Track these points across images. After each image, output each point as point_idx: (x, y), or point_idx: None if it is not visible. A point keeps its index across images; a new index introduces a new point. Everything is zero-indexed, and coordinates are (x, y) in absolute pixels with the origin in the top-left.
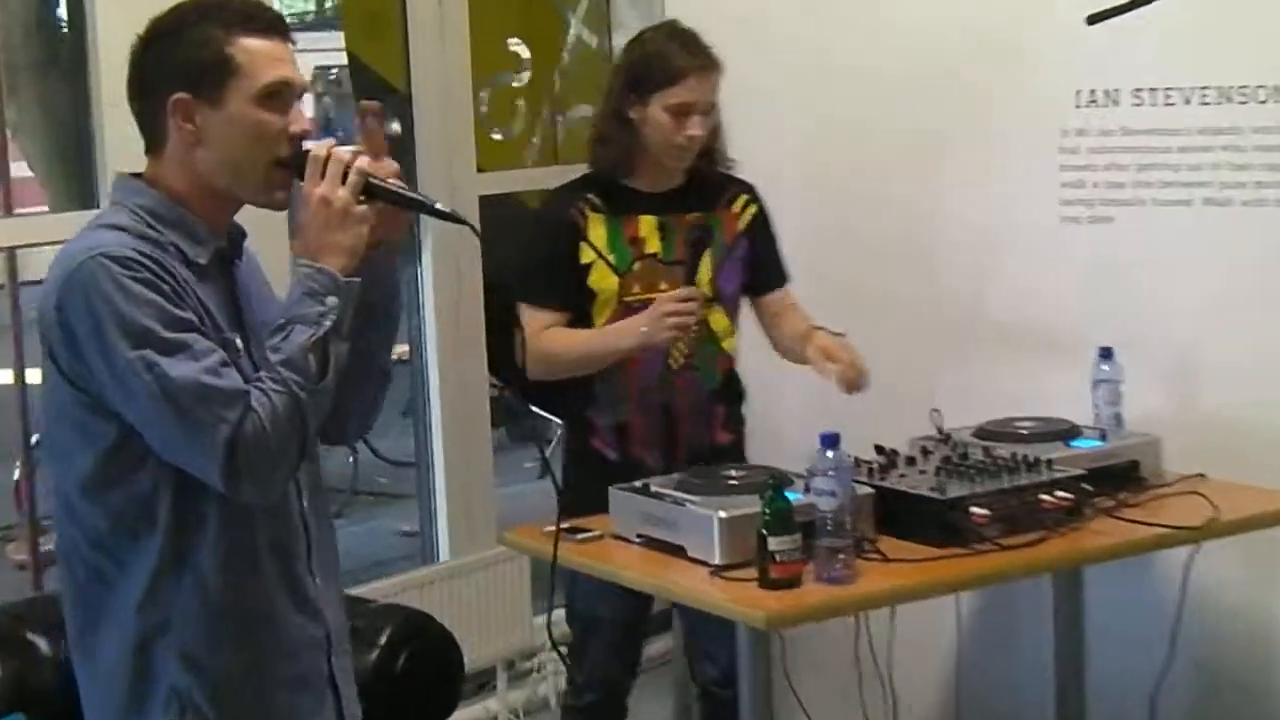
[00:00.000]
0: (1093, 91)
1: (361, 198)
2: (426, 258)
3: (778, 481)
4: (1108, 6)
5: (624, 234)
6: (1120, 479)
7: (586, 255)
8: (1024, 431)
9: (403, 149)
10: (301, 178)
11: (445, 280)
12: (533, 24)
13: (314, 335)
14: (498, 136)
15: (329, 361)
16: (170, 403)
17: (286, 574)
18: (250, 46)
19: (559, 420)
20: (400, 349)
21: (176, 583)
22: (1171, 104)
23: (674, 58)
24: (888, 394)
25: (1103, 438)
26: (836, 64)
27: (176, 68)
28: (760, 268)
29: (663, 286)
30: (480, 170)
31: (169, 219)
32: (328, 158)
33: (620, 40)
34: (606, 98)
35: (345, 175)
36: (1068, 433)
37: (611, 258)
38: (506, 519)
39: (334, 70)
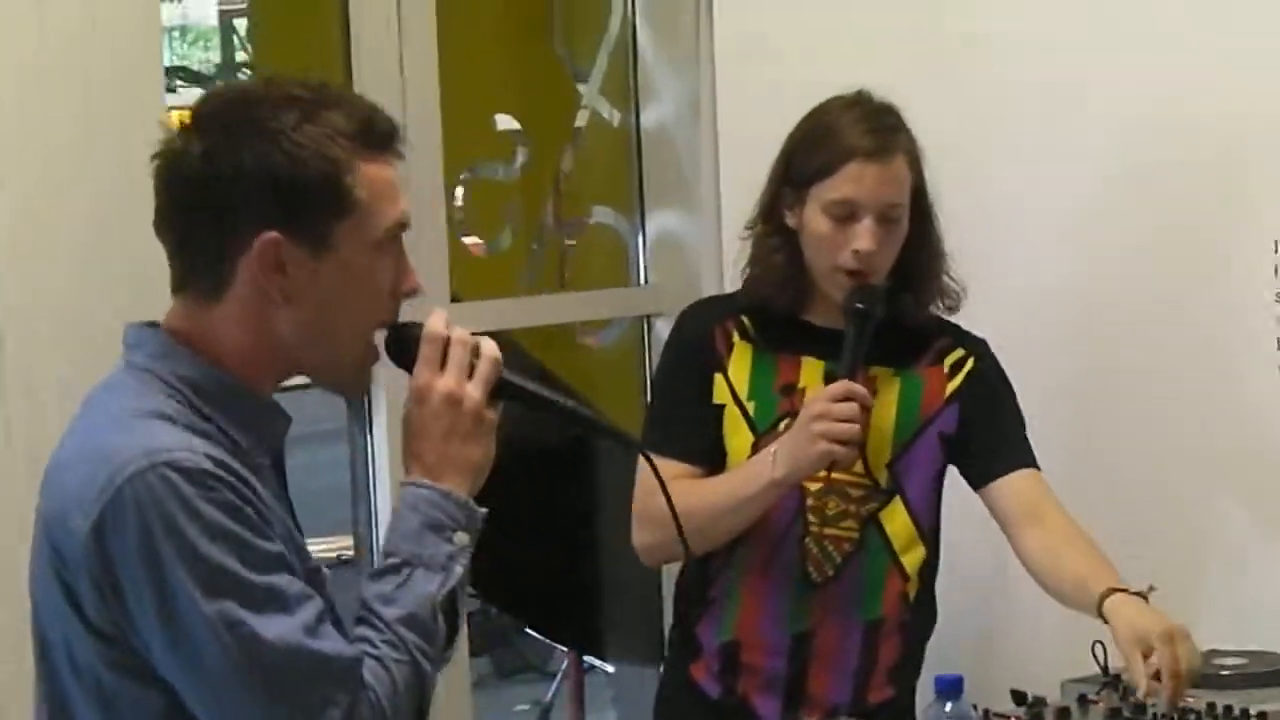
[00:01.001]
0: None
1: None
2: (379, 418)
3: None
4: None
5: (776, 377)
6: None
7: (721, 394)
8: (1227, 672)
9: None
10: (400, 359)
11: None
12: (531, 94)
13: (445, 585)
14: (480, 250)
15: (458, 621)
16: (258, 675)
17: None
18: (373, 174)
19: (562, 646)
20: (341, 543)
21: None
22: None
23: (841, 135)
24: (1038, 616)
25: None
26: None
27: (270, 191)
28: (978, 447)
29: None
30: (455, 300)
31: (219, 399)
32: (449, 339)
33: (651, 116)
34: (761, 195)
35: (471, 366)
36: None
37: (750, 406)
38: None
39: None
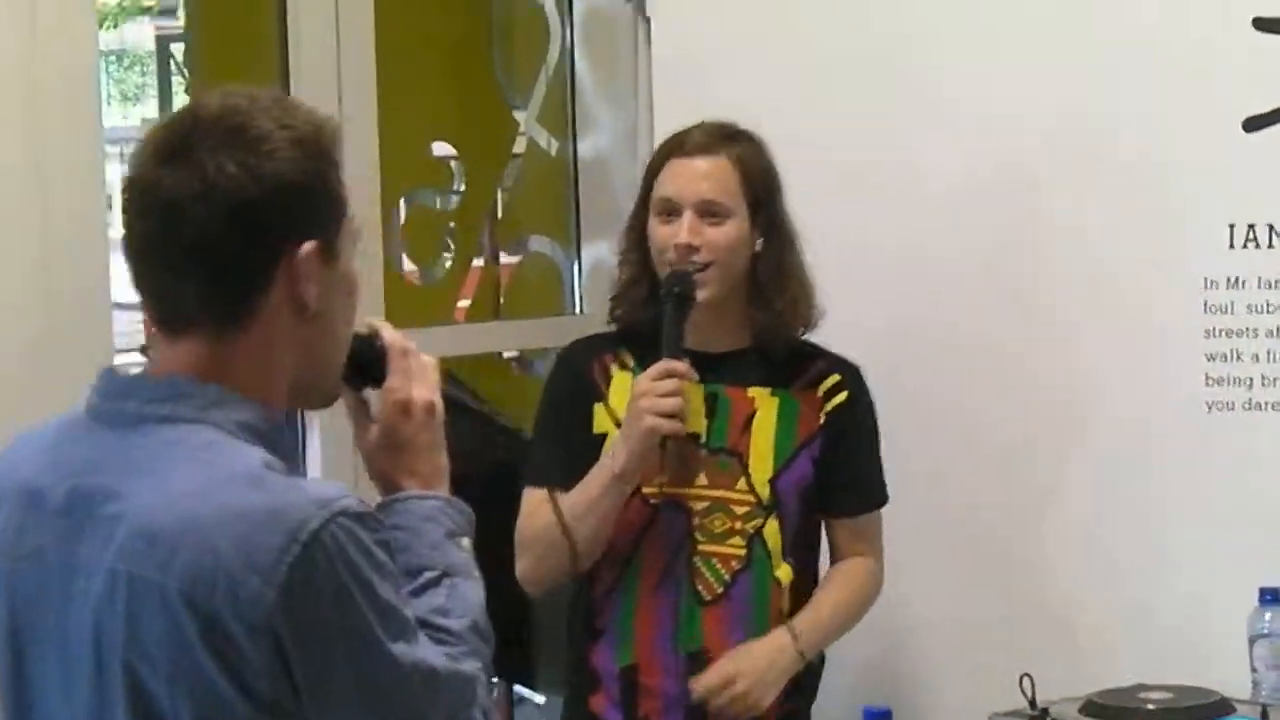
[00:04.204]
0: (1251, 227)
1: None
2: (312, 446)
3: None
4: (1274, 107)
5: None
6: None
7: (602, 423)
8: (1152, 707)
9: None
10: (365, 372)
11: (338, 476)
12: (469, 121)
13: (482, 589)
14: (415, 278)
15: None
16: (441, 708)
17: None
18: (341, 178)
19: (492, 678)
20: None
21: None
22: None
23: (670, 139)
24: (966, 648)
25: (1264, 717)
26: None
27: (303, 199)
28: (831, 480)
29: (701, 482)
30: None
31: (271, 438)
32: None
33: (588, 145)
34: (629, 219)
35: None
36: (1214, 708)
37: None
38: None
39: None
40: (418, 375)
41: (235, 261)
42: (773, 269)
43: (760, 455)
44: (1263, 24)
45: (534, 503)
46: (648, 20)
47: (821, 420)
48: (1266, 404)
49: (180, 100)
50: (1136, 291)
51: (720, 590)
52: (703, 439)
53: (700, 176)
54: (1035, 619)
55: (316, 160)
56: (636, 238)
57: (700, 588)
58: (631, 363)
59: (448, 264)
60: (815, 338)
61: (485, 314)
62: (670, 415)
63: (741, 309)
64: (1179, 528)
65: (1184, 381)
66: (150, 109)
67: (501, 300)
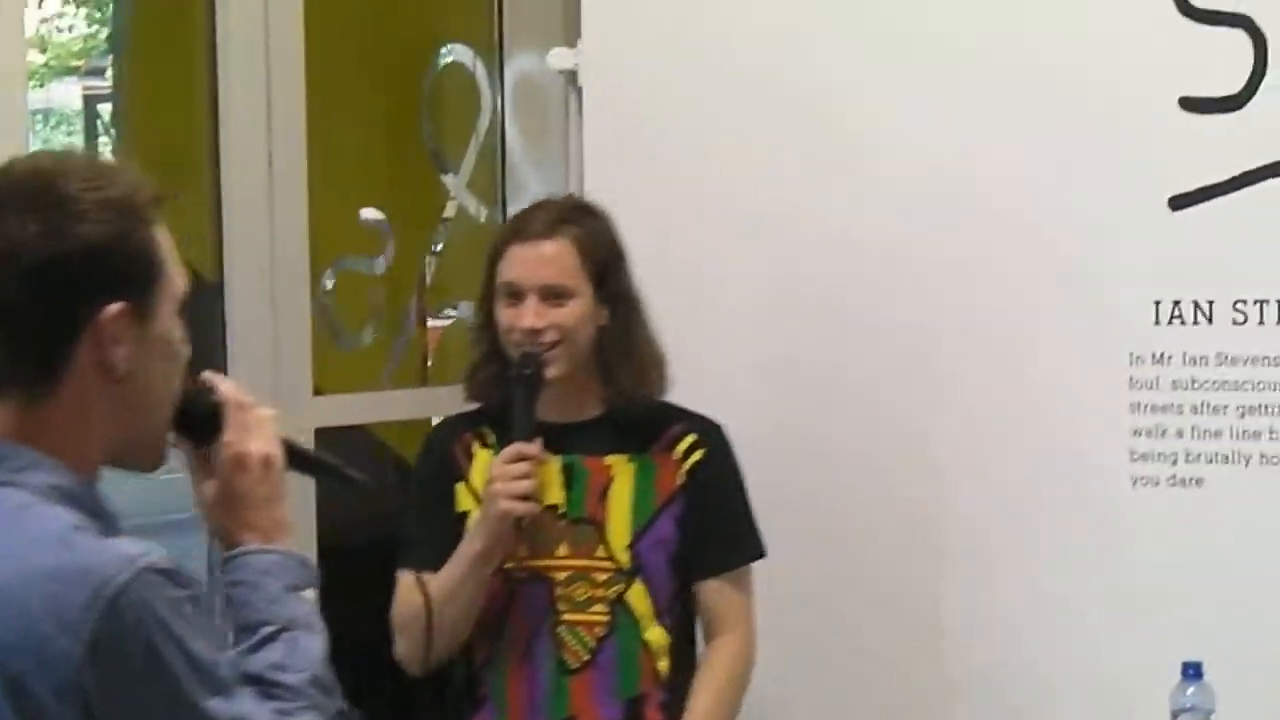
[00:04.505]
0: (1176, 304)
1: None
2: None
3: None
4: (1199, 186)
5: None
6: None
7: (464, 502)
8: None
9: (213, 359)
10: (200, 428)
11: None
12: (398, 188)
13: (324, 641)
14: (344, 344)
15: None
16: None
17: None
18: (161, 238)
19: None
20: None
21: None
22: None
23: (509, 225)
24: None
25: None
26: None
27: (109, 259)
28: (694, 542)
29: (561, 552)
30: (318, 393)
31: (85, 502)
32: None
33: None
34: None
35: None
36: None
37: None
38: None
39: None
40: (254, 428)
41: (37, 323)
42: (619, 341)
43: (618, 521)
44: (1189, 104)
45: (405, 586)
46: (579, 89)
47: (680, 480)
48: (1191, 480)
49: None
50: (1062, 369)
51: (586, 658)
52: (561, 510)
53: (541, 261)
54: (955, 696)
55: (126, 221)
56: (485, 318)
57: (566, 656)
58: (493, 439)
59: (376, 330)
60: (723, 387)
61: (413, 380)
62: (524, 497)
63: (593, 380)
64: (1102, 602)
65: (1109, 457)
66: None
67: (429, 365)
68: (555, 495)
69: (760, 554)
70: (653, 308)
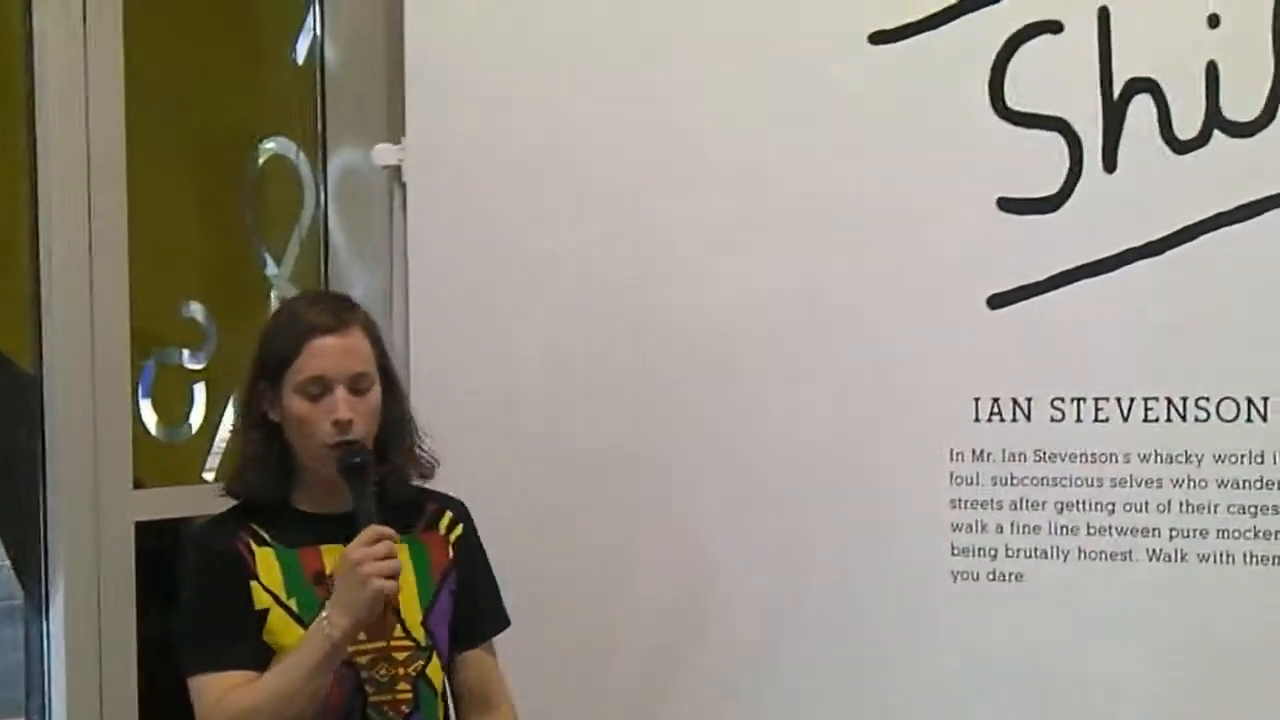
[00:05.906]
0: (996, 401)
1: None
2: (56, 607)
3: None
4: (1017, 285)
5: (303, 570)
6: None
7: (261, 599)
8: None
9: (31, 451)
10: None
11: (81, 639)
12: (220, 279)
13: None
14: (162, 437)
15: None
16: None
17: None
18: None
19: None
20: None
21: None
22: (1104, 420)
23: (300, 319)
24: None
25: None
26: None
27: None
28: (465, 610)
29: (361, 636)
30: (138, 486)
31: None
32: None
33: None
34: (238, 397)
35: None
36: None
37: (293, 602)
38: None
39: None
40: None
41: None
42: (394, 423)
43: (409, 600)
44: (1007, 204)
45: (220, 688)
46: (404, 184)
47: (450, 554)
48: (1010, 574)
49: None
50: (884, 465)
51: None
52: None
53: (347, 352)
54: None
55: None
56: (258, 416)
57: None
58: (266, 537)
59: (197, 423)
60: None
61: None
62: (390, 577)
63: None
64: (924, 696)
65: (930, 551)
66: None
67: None
68: None
69: (507, 623)
70: (466, 399)
